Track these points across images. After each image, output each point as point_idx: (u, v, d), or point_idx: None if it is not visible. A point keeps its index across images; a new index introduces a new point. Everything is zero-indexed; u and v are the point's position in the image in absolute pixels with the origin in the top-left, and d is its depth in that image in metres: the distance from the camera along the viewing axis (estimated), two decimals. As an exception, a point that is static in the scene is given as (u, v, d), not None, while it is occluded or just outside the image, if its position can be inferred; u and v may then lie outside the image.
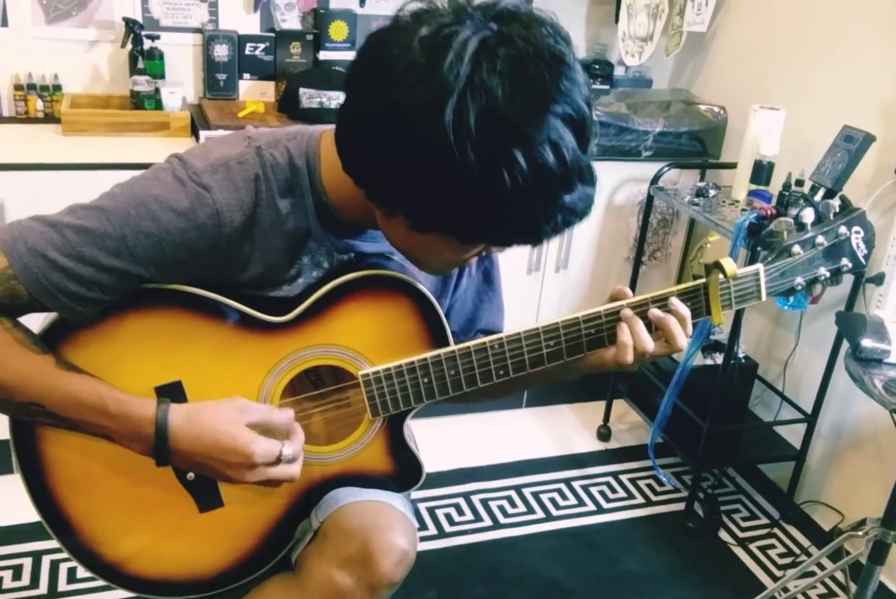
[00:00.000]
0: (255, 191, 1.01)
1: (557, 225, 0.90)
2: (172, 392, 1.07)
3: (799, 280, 1.08)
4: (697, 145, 2.70)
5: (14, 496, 1.20)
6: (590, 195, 0.90)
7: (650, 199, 2.59)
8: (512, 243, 0.95)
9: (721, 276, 1.05)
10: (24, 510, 1.14)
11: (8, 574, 2.09)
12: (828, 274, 1.08)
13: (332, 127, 1.06)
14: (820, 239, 1.06)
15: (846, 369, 1.72)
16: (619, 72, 3.02)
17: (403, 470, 1.19)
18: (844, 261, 1.08)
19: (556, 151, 0.84)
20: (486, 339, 1.07)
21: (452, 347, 1.08)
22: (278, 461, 1.01)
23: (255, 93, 2.79)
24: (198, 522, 1.15)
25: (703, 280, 1.07)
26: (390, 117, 0.85)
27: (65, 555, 1.15)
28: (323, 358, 1.10)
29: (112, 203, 0.98)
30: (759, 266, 1.08)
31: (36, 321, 1.05)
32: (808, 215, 1.08)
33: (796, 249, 1.07)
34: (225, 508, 1.15)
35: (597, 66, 2.93)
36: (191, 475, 1.11)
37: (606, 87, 2.94)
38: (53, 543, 1.15)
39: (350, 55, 2.79)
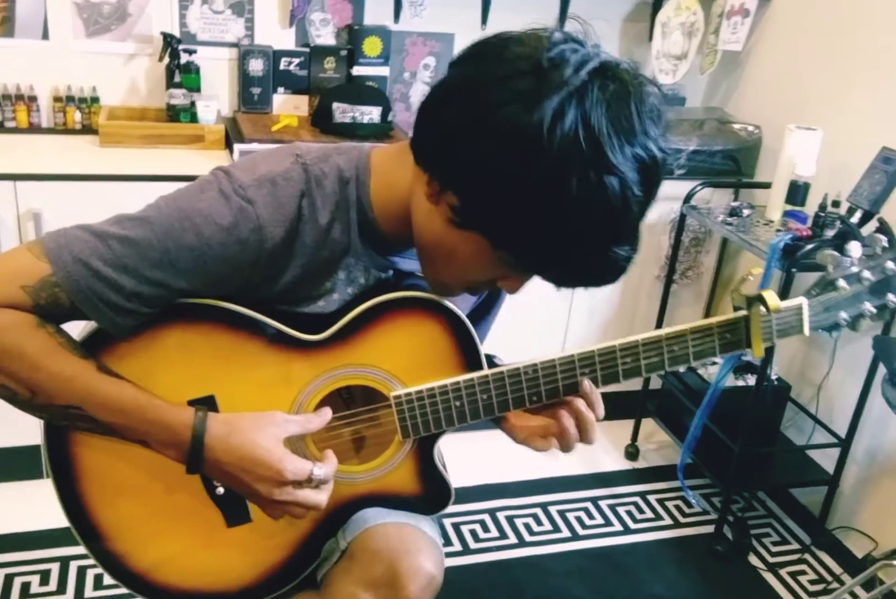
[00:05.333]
0: (298, 207, 1.01)
1: (584, 264, 0.91)
2: (205, 407, 1.07)
3: (843, 315, 1.06)
4: (731, 164, 2.68)
5: (43, 501, 1.20)
6: (627, 256, 0.91)
7: (682, 217, 2.57)
8: (533, 268, 0.95)
9: (763, 309, 1.04)
10: (52, 516, 1.14)
11: (35, 579, 2.11)
12: (874, 310, 1.06)
13: (382, 145, 1.09)
14: (866, 274, 1.04)
15: (883, 395, 1.70)
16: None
17: (432, 493, 1.18)
18: (891, 297, 1.05)
19: (619, 184, 0.85)
20: (521, 364, 1.06)
21: (486, 371, 1.07)
22: (308, 481, 1.01)
23: (288, 107, 2.81)
24: (225, 536, 1.15)
25: (745, 312, 1.05)
26: (488, 92, 0.87)
27: (92, 561, 1.16)
28: (355, 378, 1.10)
29: (157, 215, 0.99)
30: (802, 300, 1.06)
31: (75, 330, 1.06)
32: (855, 249, 1.06)
33: (842, 283, 1.05)
34: (253, 523, 1.14)
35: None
36: (220, 490, 1.11)
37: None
38: (81, 549, 1.15)
39: (384, 71, 2.80)
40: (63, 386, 0.99)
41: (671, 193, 2.67)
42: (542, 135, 0.84)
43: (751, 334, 1.06)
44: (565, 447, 1.11)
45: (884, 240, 1.06)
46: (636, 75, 0.91)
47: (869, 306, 1.07)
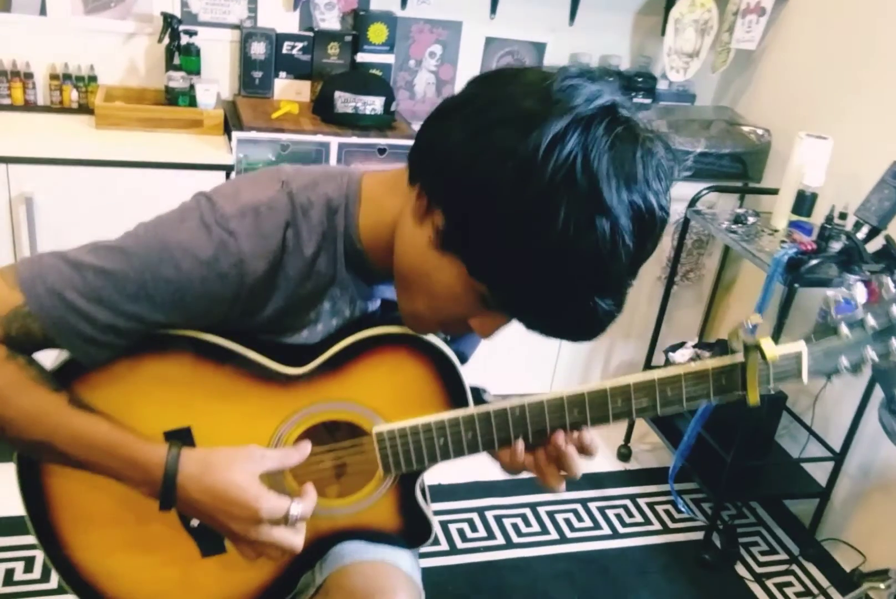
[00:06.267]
0: (282, 239, 0.97)
1: (560, 309, 0.87)
2: (181, 438, 1.05)
3: (844, 361, 1.01)
4: (738, 167, 2.63)
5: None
6: (609, 311, 0.86)
7: (686, 221, 2.53)
8: (506, 306, 0.91)
9: (760, 357, 1.00)
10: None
11: (20, 566, 2.09)
12: (876, 358, 1.01)
13: (375, 168, 1.05)
14: (870, 321, 0.99)
15: (879, 420, 1.67)
16: (662, 85, 2.95)
17: (412, 528, 1.16)
18: (895, 343, 1.01)
19: (610, 228, 0.81)
20: (507, 404, 1.03)
21: (472, 410, 1.04)
22: (285, 520, 0.98)
23: (290, 92, 2.76)
24: (200, 565, 1.13)
25: (741, 358, 1.02)
26: (491, 110, 0.84)
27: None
28: (337, 413, 1.07)
29: (135, 245, 0.95)
30: (801, 348, 1.01)
31: (49, 358, 1.03)
32: (861, 293, 1.01)
33: (844, 329, 1.00)
34: (228, 554, 1.12)
35: (640, 79, 2.86)
36: (195, 522, 1.08)
37: (648, 101, 2.87)
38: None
39: (389, 58, 2.74)
40: (32, 422, 0.96)
41: (676, 195, 2.59)
42: (537, 158, 0.80)
43: (747, 381, 1.03)
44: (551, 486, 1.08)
45: (892, 285, 1.02)
46: (650, 129, 0.87)
47: (872, 353, 1.03)
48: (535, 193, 0.81)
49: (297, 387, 1.05)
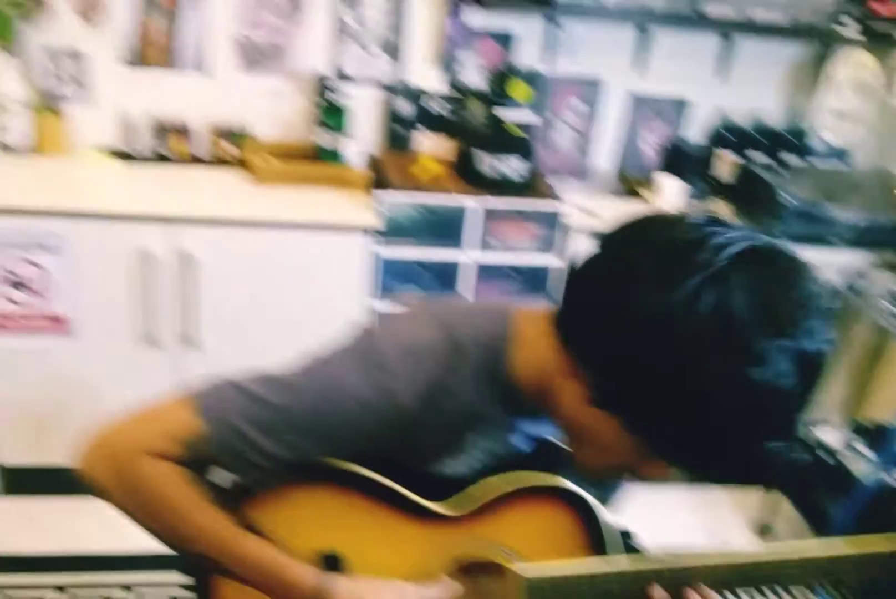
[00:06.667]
0: (438, 378, 1.01)
1: (725, 460, 0.84)
2: (334, 563, 1.08)
3: None
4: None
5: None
6: (780, 452, 0.83)
7: (841, 298, 2.42)
8: (670, 460, 0.90)
9: None
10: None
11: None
12: None
13: (529, 306, 1.07)
14: None
15: None
16: (815, 144, 2.82)
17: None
18: None
19: (768, 376, 0.78)
20: (668, 561, 1.00)
21: (624, 566, 1.03)
22: None
23: (433, 148, 2.81)
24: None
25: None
26: (624, 277, 0.84)
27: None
28: (483, 552, 1.08)
29: (303, 382, 1.02)
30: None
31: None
32: None
33: None
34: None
35: (791, 137, 2.76)
36: None
37: (800, 162, 2.76)
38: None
39: (531, 116, 2.74)
40: (203, 537, 1.03)
41: (827, 262, 2.51)
42: (677, 321, 0.79)
43: None
44: None
45: None
46: (792, 259, 0.83)
47: None
48: (681, 356, 0.80)
49: (446, 524, 1.07)
